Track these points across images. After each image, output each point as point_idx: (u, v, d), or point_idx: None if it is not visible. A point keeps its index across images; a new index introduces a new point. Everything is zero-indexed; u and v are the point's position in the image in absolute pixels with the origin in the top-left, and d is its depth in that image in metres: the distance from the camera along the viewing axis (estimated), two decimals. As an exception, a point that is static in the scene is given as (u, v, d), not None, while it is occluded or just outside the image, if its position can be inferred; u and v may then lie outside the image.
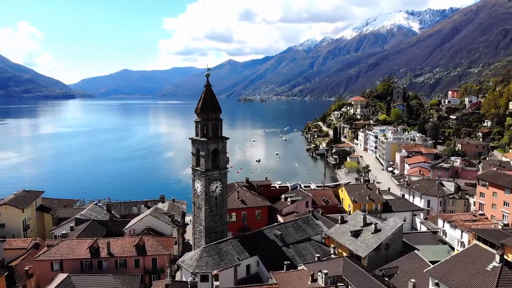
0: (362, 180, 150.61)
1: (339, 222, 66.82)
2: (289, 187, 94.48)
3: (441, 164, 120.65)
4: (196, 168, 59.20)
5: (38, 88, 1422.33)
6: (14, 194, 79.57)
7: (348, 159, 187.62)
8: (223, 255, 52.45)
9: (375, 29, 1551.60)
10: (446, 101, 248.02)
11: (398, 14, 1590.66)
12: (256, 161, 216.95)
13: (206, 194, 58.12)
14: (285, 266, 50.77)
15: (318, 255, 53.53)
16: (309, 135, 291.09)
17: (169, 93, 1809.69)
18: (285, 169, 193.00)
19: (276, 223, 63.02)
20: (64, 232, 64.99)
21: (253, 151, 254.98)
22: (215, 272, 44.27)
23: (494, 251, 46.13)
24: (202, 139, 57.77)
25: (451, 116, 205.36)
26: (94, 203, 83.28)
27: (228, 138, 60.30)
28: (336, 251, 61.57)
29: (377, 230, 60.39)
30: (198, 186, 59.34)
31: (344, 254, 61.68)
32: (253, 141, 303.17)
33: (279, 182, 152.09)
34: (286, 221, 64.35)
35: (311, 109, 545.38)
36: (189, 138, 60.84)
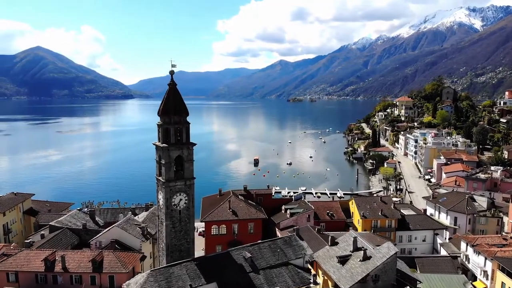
0: (392, 189, 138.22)
1: (329, 243, 57.60)
2: (293, 197, 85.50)
3: (478, 174, 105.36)
4: (158, 178, 52.72)
5: (99, 89, 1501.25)
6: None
7: (385, 165, 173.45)
8: (172, 280, 45.28)
9: (433, 26, 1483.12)
10: (502, 102, 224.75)
11: (459, 11, 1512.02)
12: (287, 164, 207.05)
13: (168, 208, 51.34)
14: (239, 298, 42.69)
15: (278, 288, 44.81)
16: (350, 137, 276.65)
17: (221, 93, 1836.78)
18: (315, 174, 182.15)
19: (249, 243, 54.75)
20: (29, 240, 60.87)
21: (286, 153, 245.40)
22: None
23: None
24: (163, 145, 51.18)
25: (501, 120, 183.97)
26: (78, 208, 79.08)
27: (195, 144, 53.11)
28: (319, 279, 52.66)
29: (366, 258, 50.56)
30: (160, 198, 52.79)
31: (329, 284, 52.71)
32: (290, 142, 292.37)
33: (304, 188, 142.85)
34: (263, 241, 55.91)
35: (363, 109, 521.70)
36: (153, 144, 54.61)
